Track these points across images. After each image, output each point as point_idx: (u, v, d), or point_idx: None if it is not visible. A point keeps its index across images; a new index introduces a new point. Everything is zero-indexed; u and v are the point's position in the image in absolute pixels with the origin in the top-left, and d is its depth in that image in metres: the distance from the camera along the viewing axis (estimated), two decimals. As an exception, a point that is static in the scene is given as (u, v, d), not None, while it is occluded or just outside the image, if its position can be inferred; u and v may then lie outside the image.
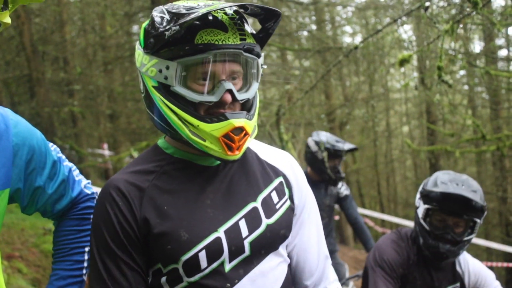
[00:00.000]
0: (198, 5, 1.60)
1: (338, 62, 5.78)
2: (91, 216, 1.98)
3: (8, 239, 6.82)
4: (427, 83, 13.23)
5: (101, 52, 15.56)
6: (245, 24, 1.64)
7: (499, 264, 10.97)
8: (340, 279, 5.23)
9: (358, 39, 21.15)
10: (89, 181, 2.05)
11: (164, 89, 1.61)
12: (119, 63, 15.68)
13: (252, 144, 1.91)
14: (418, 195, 3.05)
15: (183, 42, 1.55)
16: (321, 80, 7.43)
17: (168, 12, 1.61)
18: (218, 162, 1.75)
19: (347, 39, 21.42)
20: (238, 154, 1.64)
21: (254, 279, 1.68)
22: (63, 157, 1.92)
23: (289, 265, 1.85)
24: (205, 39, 1.54)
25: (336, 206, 5.57)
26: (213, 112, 1.60)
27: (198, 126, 1.58)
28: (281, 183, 1.85)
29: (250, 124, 1.65)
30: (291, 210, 1.84)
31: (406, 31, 15.59)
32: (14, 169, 1.66)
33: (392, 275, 2.98)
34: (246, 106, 1.69)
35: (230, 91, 1.58)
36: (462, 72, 14.40)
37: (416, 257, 3.04)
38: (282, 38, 12.89)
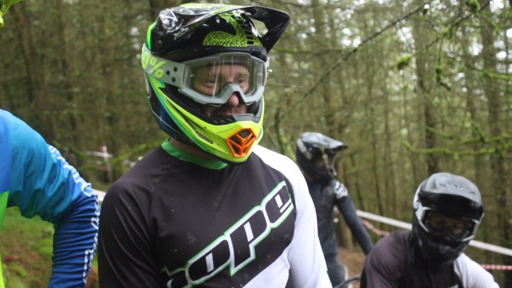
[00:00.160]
0: (206, 8, 1.60)
1: (337, 65, 5.79)
2: (91, 219, 1.98)
3: (7, 242, 6.81)
4: (426, 85, 13.24)
5: (100, 55, 15.55)
6: (252, 28, 1.64)
7: (498, 266, 10.96)
8: (339, 282, 5.25)
9: (357, 41, 21.20)
10: (89, 184, 2.05)
11: (171, 90, 1.61)
12: (118, 66, 15.68)
13: (256, 148, 1.92)
14: (416, 197, 3.05)
15: (191, 44, 1.55)
16: (320, 83, 7.43)
17: (176, 14, 1.62)
18: (224, 165, 1.75)
19: (346, 42, 21.47)
20: (244, 157, 1.64)
21: (258, 284, 1.68)
22: (63, 160, 1.92)
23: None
24: (213, 41, 1.55)
25: (335, 209, 5.57)
26: (219, 114, 1.60)
27: (205, 127, 1.58)
28: (284, 187, 1.86)
29: (257, 127, 1.65)
30: (293, 214, 1.85)
31: (405, 33, 15.63)
32: (14, 172, 1.66)
33: (390, 278, 2.98)
34: (252, 109, 1.69)
35: (237, 94, 1.59)
36: (460, 75, 14.41)
37: (414, 260, 3.04)
38: (281, 40, 12.89)
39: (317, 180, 5.36)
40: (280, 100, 13.26)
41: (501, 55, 15.29)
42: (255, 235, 1.68)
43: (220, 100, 1.58)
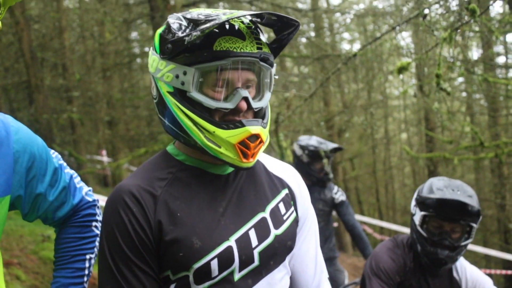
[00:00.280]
0: (216, 13, 1.61)
1: (337, 70, 5.79)
2: (92, 223, 1.98)
3: (7, 246, 6.80)
4: (425, 90, 13.24)
5: (100, 59, 15.59)
6: (261, 34, 1.65)
7: (498, 271, 10.94)
8: (339, 286, 5.25)
9: (356, 45, 21.25)
10: (90, 188, 2.05)
11: (180, 94, 1.61)
12: (118, 70, 15.71)
13: (260, 155, 1.92)
14: (413, 202, 3.05)
15: (201, 48, 1.56)
16: (320, 87, 7.44)
17: (185, 18, 1.62)
18: (229, 171, 1.76)
19: (345, 46, 21.51)
20: (252, 162, 1.64)
21: None
22: (64, 164, 1.92)
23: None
24: (223, 46, 1.55)
25: (335, 213, 5.57)
26: (227, 119, 1.61)
27: (214, 132, 1.58)
28: (287, 194, 1.86)
29: (265, 132, 1.66)
30: (296, 222, 1.86)
31: (405, 38, 15.64)
32: (15, 176, 1.66)
33: (389, 283, 2.98)
34: (259, 115, 1.70)
35: (245, 99, 1.59)
36: (460, 79, 14.42)
37: (413, 264, 3.05)
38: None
39: (315, 183, 5.36)
40: (280, 105, 13.27)
41: (501, 60, 15.31)
42: (260, 241, 1.68)
43: (229, 105, 1.58)
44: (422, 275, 3.03)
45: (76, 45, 15.85)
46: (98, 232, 2.00)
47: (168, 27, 1.64)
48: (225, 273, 1.61)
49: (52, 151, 1.88)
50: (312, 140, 5.44)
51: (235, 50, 1.56)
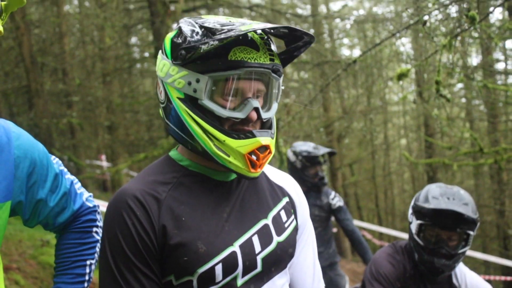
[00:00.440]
0: (230, 21, 1.61)
1: (337, 76, 5.80)
2: (93, 229, 1.98)
3: (6, 251, 6.79)
4: (425, 96, 13.27)
5: (100, 64, 15.59)
6: (272, 44, 1.66)
7: (497, 277, 10.94)
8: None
9: (356, 51, 21.25)
10: (91, 194, 2.05)
11: (191, 101, 1.61)
12: (118, 75, 15.71)
13: None
14: (410, 210, 3.05)
15: (216, 57, 1.55)
16: (320, 93, 7.45)
17: (199, 25, 1.62)
18: (232, 177, 1.76)
19: (345, 52, 21.54)
20: (259, 172, 1.65)
21: None
22: (65, 170, 1.92)
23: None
24: (238, 56, 1.55)
25: (333, 218, 5.57)
26: (237, 129, 1.61)
27: (224, 141, 1.58)
28: (288, 203, 1.88)
29: (273, 143, 1.67)
30: (296, 230, 1.87)
31: (404, 44, 15.66)
32: (16, 181, 1.67)
33: (390, 288, 2.99)
34: (266, 125, 1.71)
35: (256, 109, 1.60)
36: (459, 85, 14.44)
37: (413, 271, 3.05)
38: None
39: (310, 189, 5.36)
40: (280, 110, 13.28)
41: (500, 66, 15.33)
42: (263, 247, 1.69)
43: (240, 115, 1.59)
44: (421, 282, 3.03)
45: (76, 50, 15.87)
46: (98, 237, 2.00)
47: (181, 32, 1.64)
48: (228, 279, 1.61)
49: (53, 157, 1.88)
50: (305, 146, 5.44)
51: (249, 60, 1.56)
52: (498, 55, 14.54)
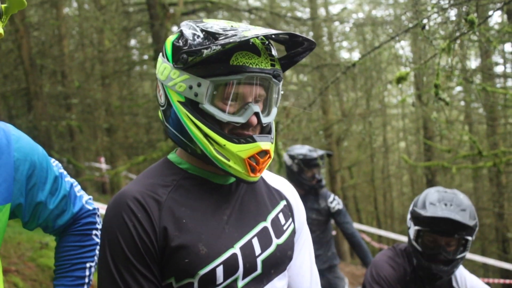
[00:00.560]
0: (232, 26, 1.62)
1: (336, 79, 5.80)
2: (93, 231, 1.98)
3: (5, 253, 6.79)
4: (424, 99, 13.27)
5: (99, 66, 15.60)
6: (273, 49, 1.67)
7: (496, 280, 10.94)
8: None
9: (355, 54, 21.27)
10: (90, 196, 2.06)
11: (192, 105, 1.61)
12: (117, 77, 15.72)
13: None
14: (409, 215, 3.05)
15: (218, 61, 1.56)
16: (319, 96, 7.46)
17: (200, 29, 1.62)
18: (231, 181, 1.76)
19: (344, 54, 21.55)
20: (258, 176, 1.66)
21: None
22: (65, 172, 1.92)
23: None
24: (240, 61, 1.56)
25: (333, 221, 5.56)
26: (237, 133, 1.62)
27: (224, 145, 1.59)
28: (285, 206, 1.89)
29: (273, 148, 1.68)
30: (294, 233, 1.88)
31: (403, 47, 15.68)
32: (16, 184, 1.67)
33: (390, 291, 2.99)
34: (265, 130, 1.71)
35: (256, 114, 1.61)
36: (458, 88, 14.46)
37: (413, 274, 3.05)
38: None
39: (308, 192, 5.36)
40: (279, 113, 13.29)
41: (499, 69, 15.36)
42: (263, 249, 1.70)
43: (241, 119, 1.59)
44: (422, 284, 3.03)
45: (75, 53, 15.89)
46: (98, 240, 2.00)
47: (182, 36, 1.64)
48: (229, 281, 1.61)
49: (53, 159, 1.88)
50: (302, 149, 5.43)
51: (251, 65, 1.57)
52: (497, 58, 14.57)
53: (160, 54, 1.73)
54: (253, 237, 1.70)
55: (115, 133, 16.16)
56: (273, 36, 1.67)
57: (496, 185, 14.58)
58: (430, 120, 14.28)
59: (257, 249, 1.69)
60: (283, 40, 1.70)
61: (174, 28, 12.04)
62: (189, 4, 13.36)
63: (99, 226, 2.02)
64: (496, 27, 10.56)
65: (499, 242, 15.49)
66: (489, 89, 9.36)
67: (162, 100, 1.71)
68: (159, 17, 11.53)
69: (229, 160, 1.60)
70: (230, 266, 1.61)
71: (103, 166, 17.38)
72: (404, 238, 10.60)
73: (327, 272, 5.24)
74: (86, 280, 1.95)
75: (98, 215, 2.04)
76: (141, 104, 15.57)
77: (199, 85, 1.58)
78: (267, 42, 1.66)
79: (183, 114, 1.63)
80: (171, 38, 1.70)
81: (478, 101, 13.75)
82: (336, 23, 17.20)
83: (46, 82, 14.33)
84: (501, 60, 14.85)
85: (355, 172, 21.81)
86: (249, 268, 1.65)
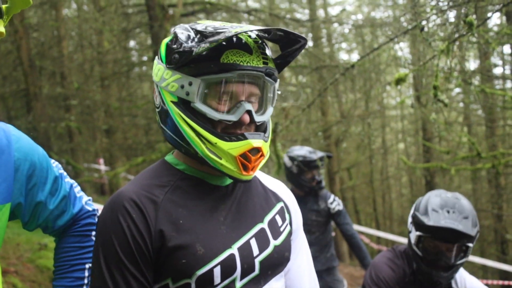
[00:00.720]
0: (224, 26, 1.62)
1: (335, 80, 5.81)
2: (92, 232, 1.99)
3: (4, 254, 6.79)
4: (423, 100, 13.29)
5: (98, 68, 15.60)
6: (266, 49, 1.67)
7: (495, 281, 10.94)
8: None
9: (354, 56, 21.28)
10: (90, 198, 2.06)
11: (184, 104, 1.62)
12: (116, 79, 15.72)
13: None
14: (410, 219, 3.03)
15: (208, 60, 1.57)
16: (318, 97, 7.47)
17: (193, 30, 1.64)
18: (228, 182, 1.77)
19: (343, 56, 21.56)
20: (251, 175, 1.66)
21: None
22: (65, 173, 1.93)
23: None
24: (230, 59, 1.57)
25: (333, 223, 5.55)
26: (229, 132, 1.62)
27: (216, 143, 1.59)
28: (282, 208, 1.89)
29: (266, 146, 1.68)
30: (290, 234, 1.88)
31: (402, 49, 15.69)
32: (16, 184, 1.67)
33: (389, 293, 2.99)
34: (261, 128, 1.71)
35: (249, 112, 1.61)
36: (457, 90, 14.47)
37: (412, 275, 3.05)
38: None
39: (307, 194, 5.36)
40: (277, 115, 13.30)
41: (498, 71, 15.38)
42: (260, 250, 1.70)
43: (233, 118, 1.60)
44: (421, 286, 3.03)
45: (74, 54, 15.89)
46: None
47: (176, 37, 1.66)
48: (227, 281, 1.61)
49: (53, 160, 1.89)
50: (301, 151, 5.42)
51: (242, 63, 1.57)
52: (496, 60, 14.59)
53: (156, 56, 1.75)
54: (251, 238, 1.70)
55: (114, 134, 16.16)
56: (266, 34, 1.68)
57: (495, 187, 14.59)
58: (429, 121, 14.29)
59: (255, 250, 1.69)
60: (278, 38, 1.70)
61: (172, 30, 12.01)
62: (188, 5, 13.36)
63: None
64: (495, 28, 10.56)
65: (498, 244, 15.49)
66: (488, 90, 9.38)
67: (157, 101, 1.73)
68: (158, 19, 11.53)
69: (221, 159, 1.60)
70: (227, 267, 1.61)
71: (102, 167, 17.38)
72: (403, 240, 10.60)
73: (325, 274, 5.24)
74: (86, 281, 1.95)
75: (97, 216, 2.04)
76: (140, 105, 15.56)
77: (190, 84, 1.59)
78: (260, 41, 1.66)
79: (176, 114, 1.63)
80: (165, 40, 1.72)
81: (477, 102, 13.77)
82: (335, 25, 17.21)
83: (45, 83, 14.33)
84: (500, 62, 14.89)
85: (354, 174, 21.80)
86: (247, 269, 1.65)
